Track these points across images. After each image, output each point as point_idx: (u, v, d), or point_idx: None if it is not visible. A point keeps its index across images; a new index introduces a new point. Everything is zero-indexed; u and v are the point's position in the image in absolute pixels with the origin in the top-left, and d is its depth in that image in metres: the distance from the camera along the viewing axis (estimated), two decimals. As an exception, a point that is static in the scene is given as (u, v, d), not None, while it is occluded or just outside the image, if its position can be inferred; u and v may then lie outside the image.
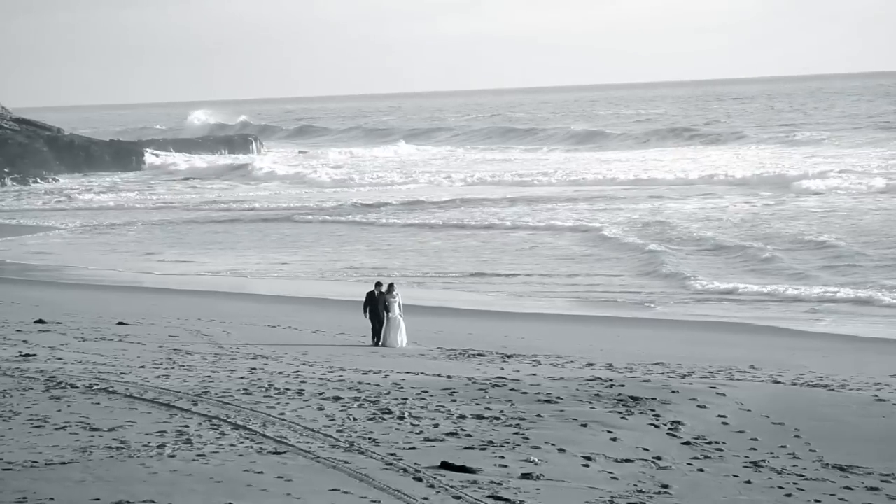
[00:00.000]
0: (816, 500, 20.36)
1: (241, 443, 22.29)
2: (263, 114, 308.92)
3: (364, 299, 38.19)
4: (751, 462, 22.47)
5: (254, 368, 31.10)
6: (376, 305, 37.70)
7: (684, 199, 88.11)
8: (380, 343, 37.40)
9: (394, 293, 37.75)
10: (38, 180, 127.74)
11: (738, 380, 30.52)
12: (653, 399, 26.54)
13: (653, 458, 22.34)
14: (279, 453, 21.54)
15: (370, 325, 37.83)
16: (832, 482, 21.42)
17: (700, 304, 47.38)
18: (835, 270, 53.25)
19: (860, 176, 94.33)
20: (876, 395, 28.62)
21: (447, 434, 23.34)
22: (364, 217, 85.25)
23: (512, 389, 27.46)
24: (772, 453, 23.14)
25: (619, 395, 26.92)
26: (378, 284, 38.49)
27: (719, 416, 25.67)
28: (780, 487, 20.92)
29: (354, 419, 24.49)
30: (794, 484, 21.16)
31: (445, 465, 20.91)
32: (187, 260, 65.59)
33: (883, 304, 45.56)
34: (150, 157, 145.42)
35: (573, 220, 76.99)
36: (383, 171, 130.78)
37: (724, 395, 27.36)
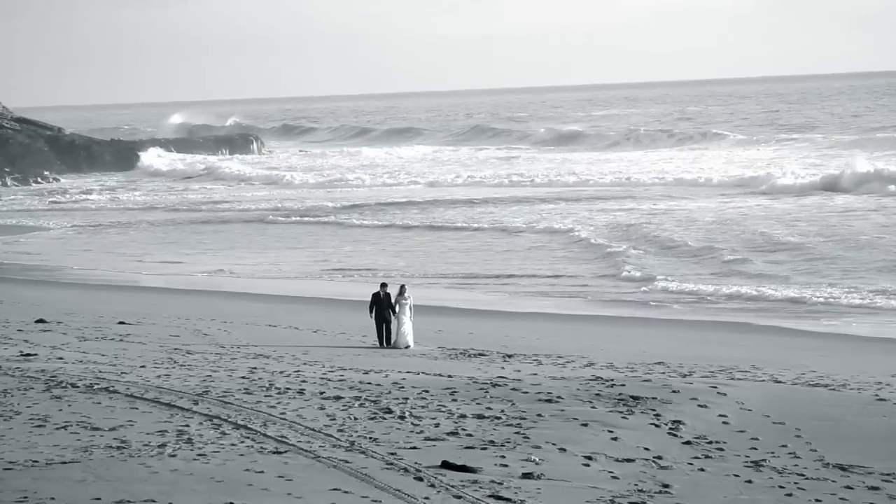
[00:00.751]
0: (817, 500, 20.36)
1: (242, 442, 22.29)
2: (260, 114, 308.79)
3: (370, 300, 38.03)
4: (751, 461, 22.48)
5: (254, 368, 31.09)
6: (382, 307, 37.55)
7: (664, 200, 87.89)
8: (386, 344, 37.23)
9: (405, 294, 37.53)
10: (40, 180, 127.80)
11: (738, 379, 30.52)
12: (654, 398, 26.55)
13: (654, 457, 22.34)
14: (280, 453, 21.53)
15: (375, 326, 37.67)
16: (833, 482, 21.43)
17: (672, 305, 47.44)
18: (805, 272, 53.15)
19: (842, 177, 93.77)
20: (877, 395, 28.64)
21: (448, 433, 23.35)
22: (342, 218, 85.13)
23: (513, 389, 27.46)
24: (772, 453, 23.14)
25: (620, 394, 26.92)
26: (383, 285, 38.28)
27: (720, 415, 25.67)
28: (781, 487, 20.93)
29: (355, 419, 24.48)
30: (795, 483, 21.17)
31: (446, 465, 20.91)
32: (183, 260, 65.52)
33: (848, 305, 45.65)
34: (147, 157, 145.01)
35: (550, 221, 76.53)
36: (373, 171, 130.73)
37: (725, 394, 27.36)
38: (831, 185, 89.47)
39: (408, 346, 36.83)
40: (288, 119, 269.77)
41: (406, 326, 37.14)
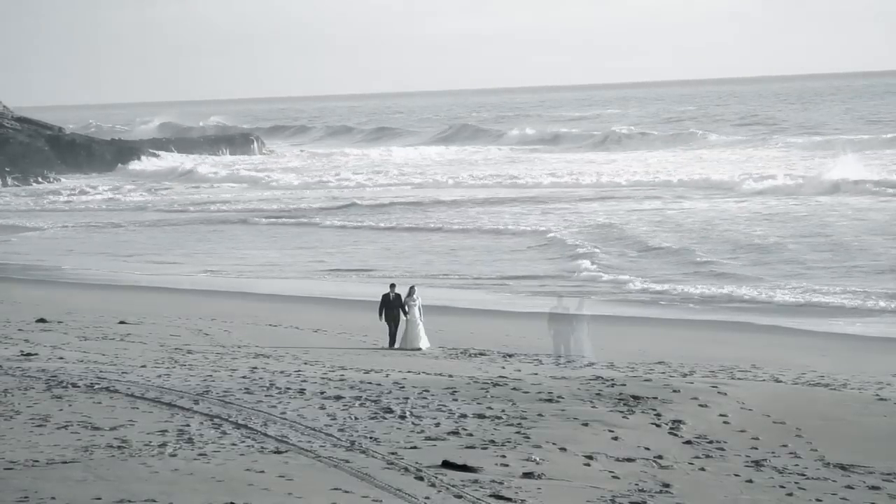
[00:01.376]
0: (818, 500, 20.36)
1: (243, 442, 22.28)
2: (252, 114, 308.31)
3: (379, 301, 37.92)
4: (752, 461, 22.48)
5: (255, 367, 31.09)
6: (391, 308, 37.46)
7: (644, 201, 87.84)
8: (395, 346, 37.15)
9: (413, 296, 37.43)
10: (40, 179, 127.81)
11: (739, 379, 30.55)
12: (654, 398, 26.54)
13: (654, 457, 22.33)
14: (281, 452, 21.53)
15: (387, 328, 37.55)
16: (833, 481, 21.43)
17: (646, 304, 47.61)
18: (779, 272, 53.22)
19: (835, 178, 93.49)
20: (877, 395, 28.67)
21: (449, 433, 23.34)
22: (339, 218, 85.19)
23: (513, 388, 27.46)
24: (773, 452, 23.14)
25: (621, 394, 26.92)
26: (392, 286, 38.21)
27: (720, 415, 25.67)
28: (782, 486, 20.93)
29: (356, 418, 24.48)
30: (796, 483, 21.17)
31: (447, 465, 20.90)
32: (181, 261, 65.52)
33: (825, 305, 45.95)
34: (147, 157, 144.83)
35: (541, 222, 76.40)
36: (369, 171, 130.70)
37: (726, 394, 27.35)
38: (826, 186, 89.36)
39: (418, 349, 36.67)
40: (278, 119, 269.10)
41: (417, 327, 36.99)
